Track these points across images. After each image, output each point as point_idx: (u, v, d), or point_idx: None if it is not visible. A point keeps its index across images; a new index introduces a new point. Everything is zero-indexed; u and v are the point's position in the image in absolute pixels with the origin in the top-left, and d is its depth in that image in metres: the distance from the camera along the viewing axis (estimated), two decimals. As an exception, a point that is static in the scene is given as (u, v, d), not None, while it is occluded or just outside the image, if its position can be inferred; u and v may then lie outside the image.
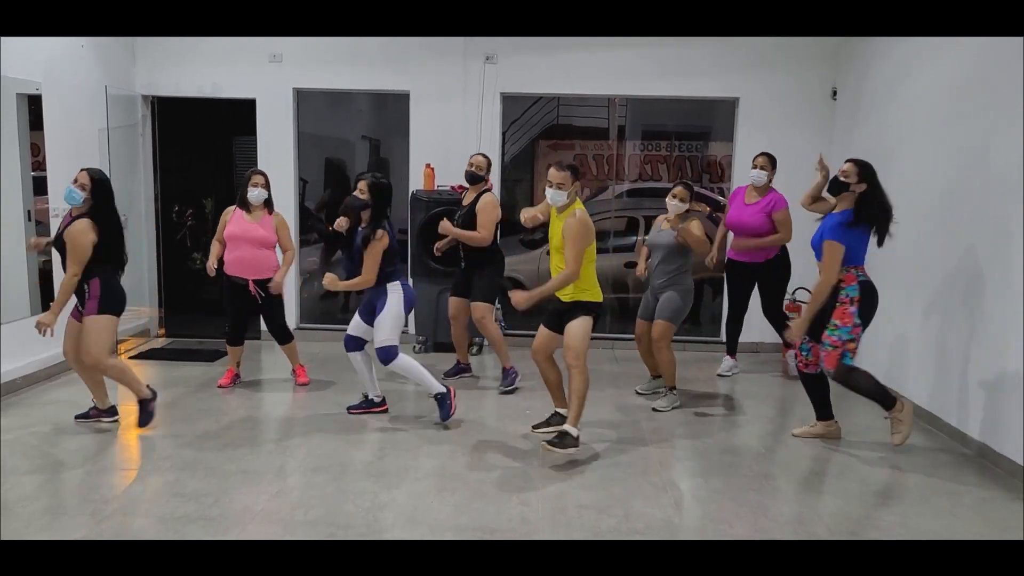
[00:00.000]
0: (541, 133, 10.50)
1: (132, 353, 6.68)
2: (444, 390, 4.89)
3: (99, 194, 4.46)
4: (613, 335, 7.38)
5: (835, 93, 6.91)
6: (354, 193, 4.85)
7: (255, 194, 5.40)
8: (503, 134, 7.71)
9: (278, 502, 3.74)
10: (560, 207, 4.39)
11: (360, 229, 4.85)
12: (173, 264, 7.70)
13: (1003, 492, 4.06)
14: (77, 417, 4.80)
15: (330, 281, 4.81)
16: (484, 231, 5.56)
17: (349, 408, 5.14)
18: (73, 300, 4.56)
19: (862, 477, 4.26)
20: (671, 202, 5.33)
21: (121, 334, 6.48)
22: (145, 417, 4.72)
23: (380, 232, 4.76)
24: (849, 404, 5.10)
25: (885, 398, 4.53)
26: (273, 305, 5.58)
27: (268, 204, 5.50)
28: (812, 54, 6.90)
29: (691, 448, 4.64)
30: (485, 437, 4.71)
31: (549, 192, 4.38)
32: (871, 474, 4.29)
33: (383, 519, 3.57)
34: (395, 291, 4.86)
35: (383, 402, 5.14)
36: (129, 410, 4.81)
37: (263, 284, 5.45)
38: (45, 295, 5.70)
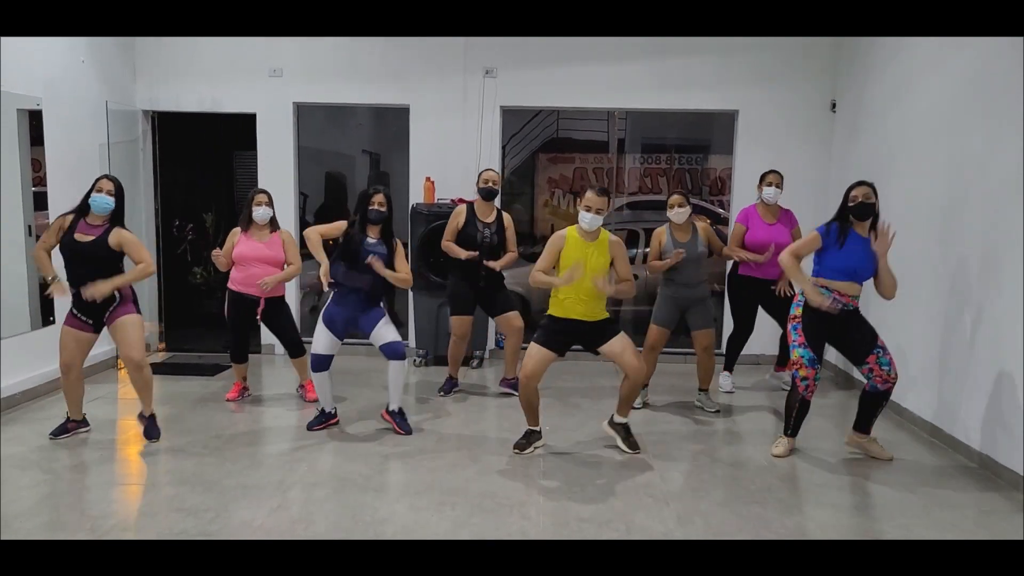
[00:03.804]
0: (541, 146, 10.53)
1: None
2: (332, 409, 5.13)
3: (120, 198, 4.61)
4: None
5: (834, 105, 6.93)
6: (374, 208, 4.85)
7: (260, 213, 5.41)
8: (503, 147, 7.74)
9: (278, 517, 3.72)
10: (594, 232, 4.44)
11: (372, 241, 4.86)
12: (173, 279, 7.71)
13: (1005, 503, 4.05)
14: (54, 434, 4.69)
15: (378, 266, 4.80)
16: (517, 249, 5.92)
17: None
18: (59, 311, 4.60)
19: (864, 490, 4.25)
20: (678, 211, 5.30)
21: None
22: (155, 430, 4.74)
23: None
24: (850, 419, 5.07)
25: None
26: (282, 320, 5.59)
27: (272, 222, 5.51)
28: (811, 67, 6.93)
29: (692, 461, 4.63)
30: (486, 451, 4.70)
31: (588, 217, 4.38)
32: (873, 487, 4.28)
33: (383, 533, 3.56)
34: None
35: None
36: (129, 424, 4.80)
37: (275, 302, 5.50)
38: (45, 310, 5.70)
